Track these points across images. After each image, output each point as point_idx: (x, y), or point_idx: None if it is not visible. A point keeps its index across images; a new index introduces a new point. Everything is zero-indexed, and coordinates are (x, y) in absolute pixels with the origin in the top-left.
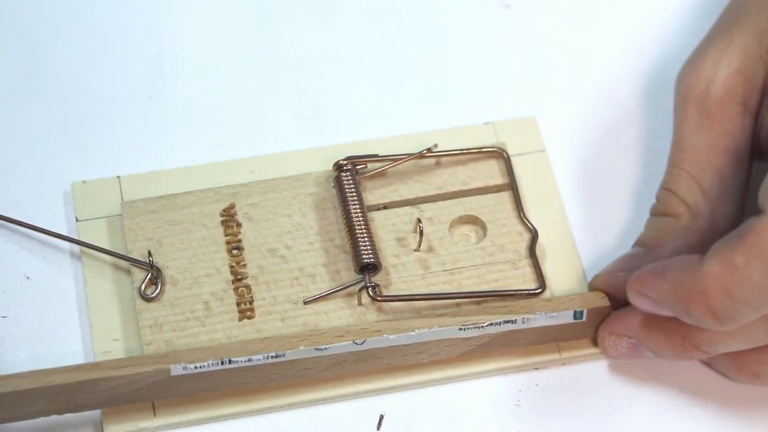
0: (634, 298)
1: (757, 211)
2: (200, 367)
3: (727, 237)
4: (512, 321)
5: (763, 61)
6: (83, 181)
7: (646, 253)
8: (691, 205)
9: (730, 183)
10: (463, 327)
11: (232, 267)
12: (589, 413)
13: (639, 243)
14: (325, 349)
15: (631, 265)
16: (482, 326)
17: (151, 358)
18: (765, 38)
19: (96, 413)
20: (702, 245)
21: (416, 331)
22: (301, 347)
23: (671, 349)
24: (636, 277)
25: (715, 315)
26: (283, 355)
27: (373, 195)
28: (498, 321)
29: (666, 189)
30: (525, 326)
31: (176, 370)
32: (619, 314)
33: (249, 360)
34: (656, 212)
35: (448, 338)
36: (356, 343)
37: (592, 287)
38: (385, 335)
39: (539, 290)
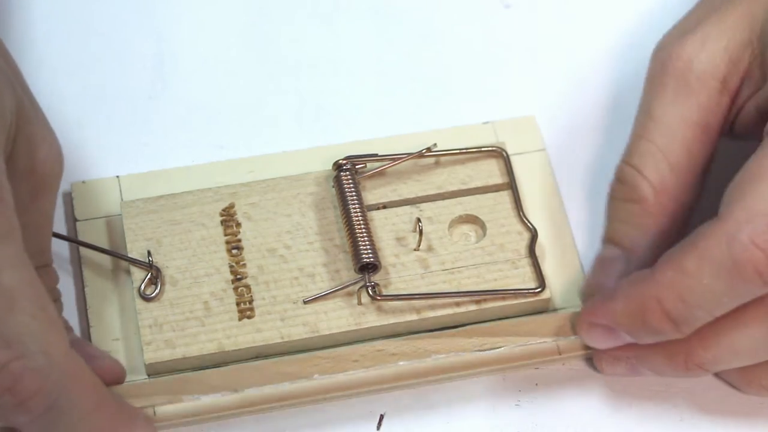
0: (586, 334)
1: (712, 215)
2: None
3: (679, 244)
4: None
5: (752, 46)
6: (83, 181)
7: (630, 258)
8: (656, 185)
9: (697, 158)
10: (479, 350)
11: (231, 267)
12: (589, 413)
13: (611, 240)
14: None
15: (618, 271)
16: (497, 348)
17: (164, 385)
18: (757, 24)
19: None
20: (674, 230)
21: (433, 356)
22: (316, 375)
23: (673, 369)
24: (584, 310)
25: (671, 320)
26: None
27: (373, 194)
28: (513, 344)
29: (629, 165)
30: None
31: (188, 399)
32: (600, 300)
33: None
34: (619, 196)
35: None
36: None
37: (585, 298)
38: (400, 362)
39: (539, 289)
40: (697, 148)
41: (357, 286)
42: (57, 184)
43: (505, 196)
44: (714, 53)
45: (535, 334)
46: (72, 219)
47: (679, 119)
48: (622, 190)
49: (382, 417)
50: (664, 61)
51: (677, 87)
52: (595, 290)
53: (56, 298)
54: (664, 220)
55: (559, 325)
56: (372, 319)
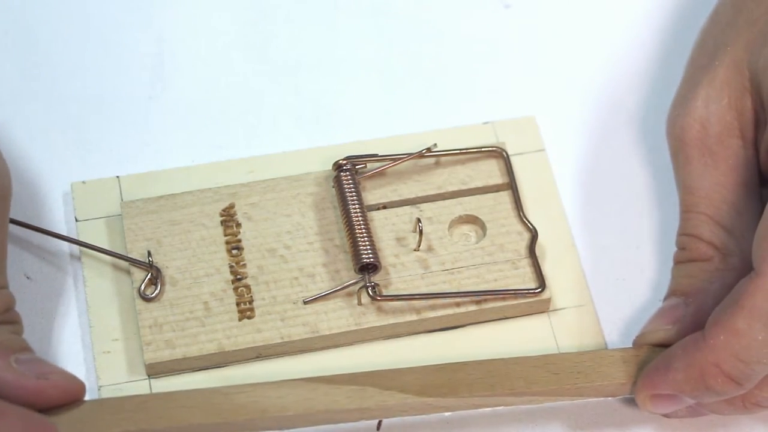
0: (651, 405)
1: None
2: None
3: (724, 304)
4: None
5: (748, 91)
6: (83, 182)
7: (687, 302)
8: (719, 247)
9: (749, 216)
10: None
11: (231, 267)
12: (589, 413)
13: (674, 293)
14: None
15: (675, 316)
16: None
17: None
18: (745, 68)
19: None
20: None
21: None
22: (362, 421)
23: (733, 409)
24: (643, 383)
25: (733, 381)
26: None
27: (373, 195)
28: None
29: (688, 235)
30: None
31: None
32: (658, 372)
33: None
34: (684, 259)
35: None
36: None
37: (638, 346)
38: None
39: (539, 290)
40: (744, 207)
41: (357, 287)
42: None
43: (505, 197)
44: (721, 112)
45: (583, 395)
46: (72, 219)
47: (716, 186)
48: (684, 255)
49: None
50: (679, 135)
51: (702, 156)
52: (651, 336)
53: (10, 321)
54: (732, 275)
55: (619, 385)
56: (372, 319)
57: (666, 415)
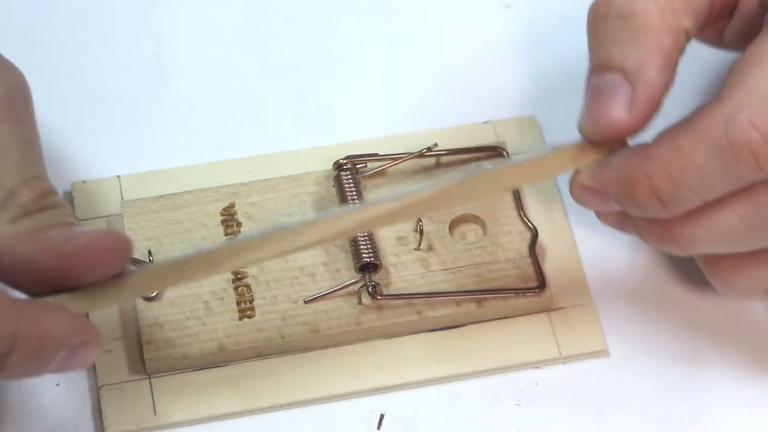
0: (578, 196)
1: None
2: None
3: (676, 123)
4: None
5: None
6: (83, 181)
7: (632, 84)
8: (660, 2)
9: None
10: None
11: None
12: (589, 413)
13: (604, 66)
14: None
15: (621, 99)
16: None
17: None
18: None
19: (97, 414)
20: (678, 57)
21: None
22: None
23: (651, 237)
24: (578, 174)
25: (659, 198)
26: None
27: (373, 194)
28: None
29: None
30: None
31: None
32: (596, 167)
33: None
34: (612, 14)
35: None
36: None
37: (587, 135)
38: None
39: (539, 289)
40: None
41: (357, 286)
42: (18, 108)
43: (505, 196)
44: None
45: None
46: None
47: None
48: (615, 7)
49: (382, 417)
50: None
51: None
52: (602, 122)
53: (50, 206)
54: (668, 40)
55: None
56: (372, 318)
57: (599, 218)
